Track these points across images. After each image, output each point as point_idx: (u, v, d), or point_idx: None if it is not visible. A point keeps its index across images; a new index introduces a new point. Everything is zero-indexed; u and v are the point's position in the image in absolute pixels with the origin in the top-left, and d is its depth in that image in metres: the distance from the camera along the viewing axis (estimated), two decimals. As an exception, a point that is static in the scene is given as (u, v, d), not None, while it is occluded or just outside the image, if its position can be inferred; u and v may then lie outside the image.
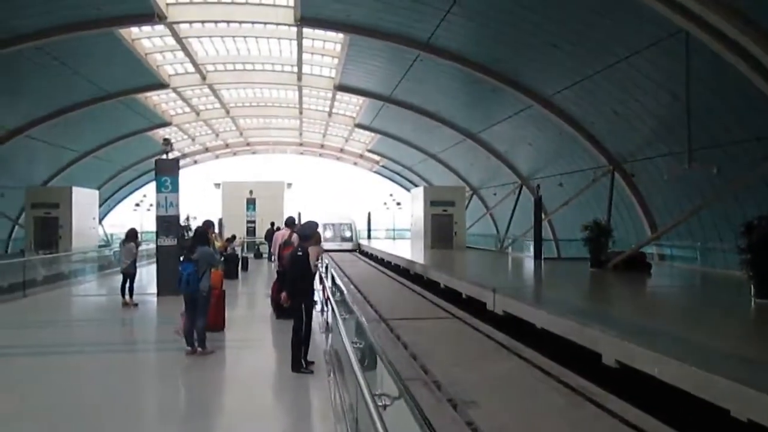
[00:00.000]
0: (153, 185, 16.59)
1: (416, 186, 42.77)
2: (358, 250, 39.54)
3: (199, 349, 9.19)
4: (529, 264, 23.16)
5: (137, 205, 47.01)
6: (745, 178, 15.35)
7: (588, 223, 19.08)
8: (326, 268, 14.04)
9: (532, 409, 7.36)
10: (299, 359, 8.30)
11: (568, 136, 22.69)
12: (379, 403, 4.00)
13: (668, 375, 7.15)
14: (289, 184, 41.41)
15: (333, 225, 40.92)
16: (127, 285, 14.17)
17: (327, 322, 10.53)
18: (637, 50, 15.91)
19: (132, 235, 14.91)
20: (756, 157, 15.01)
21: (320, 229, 29.79)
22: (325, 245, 32.09)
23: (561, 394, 7.96)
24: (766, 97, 12.95)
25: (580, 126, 21.86)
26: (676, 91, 15.50)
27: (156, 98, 33.08)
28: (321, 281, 12.72)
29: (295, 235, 10.95)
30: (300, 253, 8.64)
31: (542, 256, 23.66)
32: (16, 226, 31.78)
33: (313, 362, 8.55)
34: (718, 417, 6.23)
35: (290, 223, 13.39)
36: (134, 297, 14.28)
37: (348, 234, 41.14)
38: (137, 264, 14.96)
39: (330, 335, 10.02)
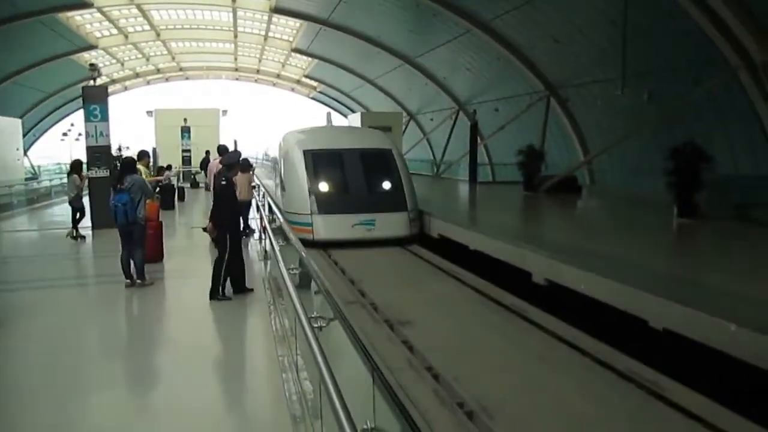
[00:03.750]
0: (81, 113, 15.89)
1: (354, 112, 42.18)
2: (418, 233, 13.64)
3: (138, 280, 9.18)
4: (464, 188, 23.59)
5: (65, 134, 44.87)
6: (675, 104, 15.91)
7: (522, 147, 19.49)
8: (263, 195, 13.95)
9: (466, 326, 7.69)
10: (217, 288, 8.39)
11: (505, 61, 22.75)
12: (315, 325, 4.17)
13: (592, 290, 7.60)
14: (225, 111, 39.98)
15: (342, 157, 13.96)
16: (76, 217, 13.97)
17: (265, 250, 10.63)
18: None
19: (76, 167, 14.51)
20: (687, 83, 15.49)
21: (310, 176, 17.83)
22: (328, 223, 12.86)
23: (493, 311, 8.32)
24: (698, 23, 13.37)
25: (518, 51, 21.90)
26: (614, 18, 15.70)
27: (79, 18, 30.56)
28: (258, 209, 12.71)
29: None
30: (224, 182, 8.60)
31: (477, 180, 24.15)
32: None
33: (252, 289, 8.71)
34: (638, 327, 6.69)
35: (223, 151, 13.22)
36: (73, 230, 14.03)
37: (387, 186, 14.12)
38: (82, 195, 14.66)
39: (269, 262, 10.14)
